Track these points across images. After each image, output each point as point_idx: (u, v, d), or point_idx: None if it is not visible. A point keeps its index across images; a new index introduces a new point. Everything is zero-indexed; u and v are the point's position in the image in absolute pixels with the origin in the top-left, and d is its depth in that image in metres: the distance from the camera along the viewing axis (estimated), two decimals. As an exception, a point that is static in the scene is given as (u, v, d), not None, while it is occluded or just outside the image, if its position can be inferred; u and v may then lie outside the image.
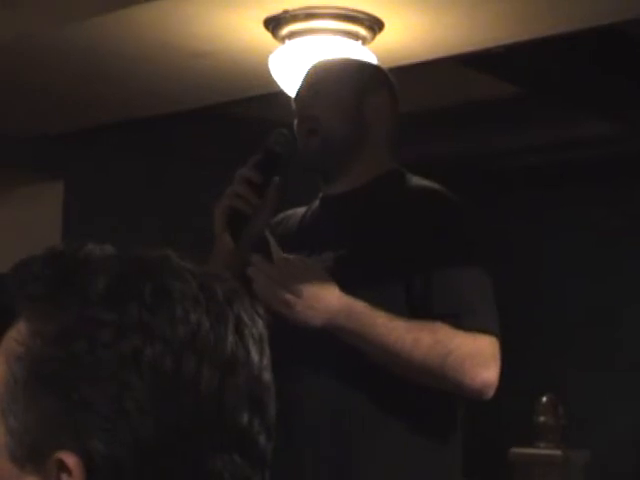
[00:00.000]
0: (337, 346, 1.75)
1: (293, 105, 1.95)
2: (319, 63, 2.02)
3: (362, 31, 2.72)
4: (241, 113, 3.88)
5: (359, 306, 1.73)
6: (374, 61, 2.67)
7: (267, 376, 0.80)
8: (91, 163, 4.18)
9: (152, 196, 4.31)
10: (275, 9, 2.68)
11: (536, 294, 4.62)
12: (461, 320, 1.73)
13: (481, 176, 4.65)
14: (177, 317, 0.76)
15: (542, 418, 4.03)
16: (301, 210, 2.00)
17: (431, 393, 1.77)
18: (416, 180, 1.90)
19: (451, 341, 1.72)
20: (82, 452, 0.74)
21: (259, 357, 0.80)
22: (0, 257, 4.21)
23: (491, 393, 1.75)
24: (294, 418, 1.76)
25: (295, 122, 1.90)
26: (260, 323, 0.81)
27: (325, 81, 1.93)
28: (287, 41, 2.76)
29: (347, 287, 1.75)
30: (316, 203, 1.97)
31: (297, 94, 1.95)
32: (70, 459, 0.74)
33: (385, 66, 2.75)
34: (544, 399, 4.00)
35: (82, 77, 3.26)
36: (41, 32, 2.93)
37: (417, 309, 1.75)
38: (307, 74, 1.98)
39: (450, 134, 4.20)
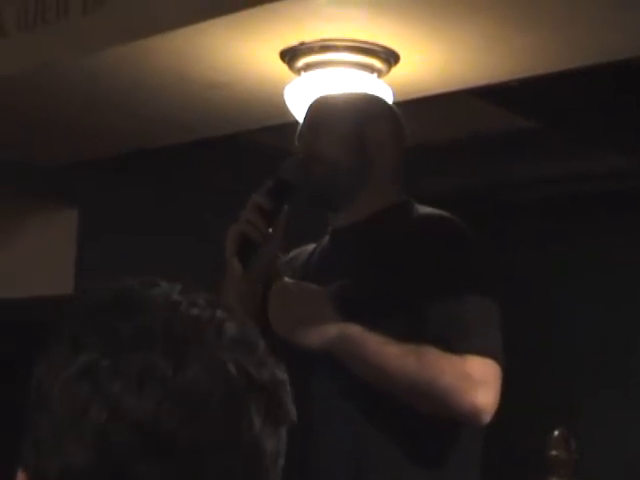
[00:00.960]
0: (347, 374, 1.76)
1: (296, 142, 1.96)
2: (319, 99, 2.04)
3: (377, 64, 2.74)
4: (255, 141, 3.90)
5: (353, 330, 1.74)
6: (389, 94, 2.69)
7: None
8: (105, 190, 4.20)
9: (166, 224, 4.32)
10: (291, 41, 2.70)
11: (547, 326, 4.61)
12: (453, 343, 1.72)
13: (495, 207, 4.65)
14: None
15: (554, 452, 3.99)
16: (310, 247, 2.01)
17: (448, 430, 1.77)
18: (424, 210, 1.90)
19: (436, 366, 1.70)
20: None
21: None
22: (15, 283, 4.25)
23: (486, 418, 1.72)
24: (306, 452, 1.76)
25: (299, 159, 1.92)
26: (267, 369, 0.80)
27: (326, 117, 1.95)
28: (303, 73, 2.78)
29: (351, 316, 1.76)
30: (325, 239, 1.99)
31: (299, 132, 1.97)
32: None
33: (400, 99, 2.79)
34: (556, 433, 3.97)
35: (99, 106, 3.28)
36: (59, 62, 2.96)
37: (418, 337, 1.75)
38: (308, 111, 2.00)
39: (464, 166, 4.21)
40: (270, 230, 1.87)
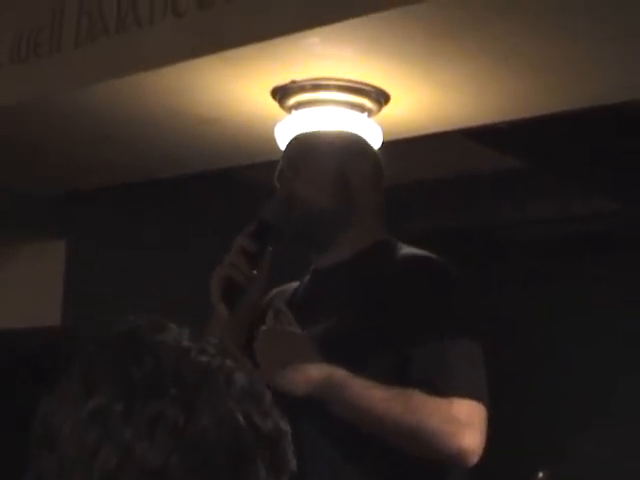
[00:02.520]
0: (332, 418, 1.75)
1: (275, 181, 1.96)
2: (299, 137, 2.04)
3: (368, 103, 2.76)
4: (248, 176, 3.92)
5: (338, 375, 1.73)
6: (379, 133, 2.71)
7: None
8: (94, 223, 4.20)
9: (154, 258, 4.32)
10: (282, 79, 2.72)
11: (531, 367, 4.61)
12: (438, 386, 1.72)
13: (481, 247, 4.67)
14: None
15: (538, 494, 3.98)
16: (293, 285, 2.01)
17: (434, 472, 1.77)
18: (407, 249, 1.90)
19: (423, 409, 1.70)
20: None
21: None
22: (2, 314, 4.23)
23: (472, 460, 1.73)
24: None
25: (280, 200, 1.92)
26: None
27: (307, 156, 1.95)
28: (294, 111, 2.79)
29: (335, 359, 1.75)
30: (307, 277, 1.98)
31: (279, 170, 1.97)
32: None
33: (390, 138, 2.81)
34: (540, 475, 3.96)
35: (90, 140, 3.29)
36: (50, 95, 2.97)
37: (402, 379, 1.75)
38: (287, 149, 2.00)
39: (452, 205, 4.23)
40: (254, 272, 1.87)
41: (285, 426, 0.82)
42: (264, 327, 1.82)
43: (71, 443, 0.76)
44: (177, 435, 0.75)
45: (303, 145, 2.00)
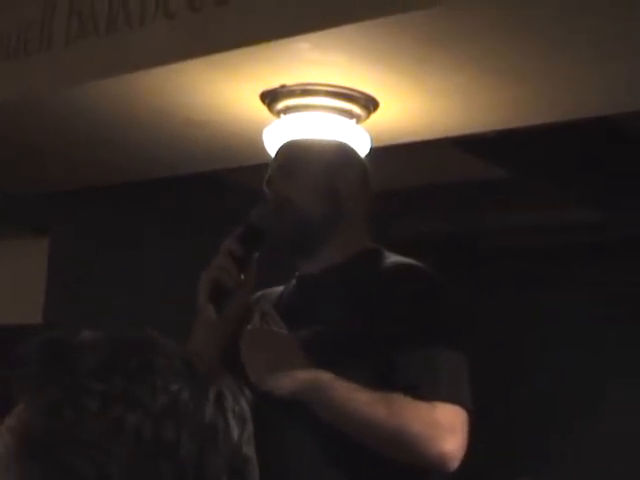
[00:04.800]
0: (316, 420, 1.76)
1: (264, 187, 1.97)
2: (289, 143, 2.05)
3: (357, 109, 2.76)
4: (235, 179, 3.91)
5: (323, 377, 1.74)
6: (367, 140, 2.71)
7: (248, 450, 0.84)
8: (77, 221, 4.19)
9: (137, 256, 4.31)
10: (272, 83, 2.73)
11: (515, 373, 4.62)
12: (421, 391, 1.73)
13: (466, 255, 4.68)
14: (158, 387, 0.80)
15: (518, 501, 3.99)
16: (278, 289, 2.02)
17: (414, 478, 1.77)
18: (393, 258, 1.91)
19: (405, 413, 1.71)
20: None
21: (239, 430, 0.83)
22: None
23: (453, 465, 1.73)
24: None
25: (269, 205, 1.92)
26: (243, 400, 0.85)
27: (297, 162, 1.96)
28: (282, 115, 2.80)
29: (321, 363, 1.76)
30: (293, 282, 1.99)
31: (268, 176, 1.97)
32: None
33: (378, 145, 2.81)
34: (521, 481, 3.98)
35: (76, 139, 3.28)
36: (37, 93, 2.96)
37: (387, 384, 1.76)
38: (277, 156, 2.01)
39: (437, 213, 4.25)
40: (242, 275, 1.88)
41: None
42: (250, 326, 1.82)
43: (140, 436, 0.79)
44: (237, 415, 0.82)
45: (293, 151, 2.01)
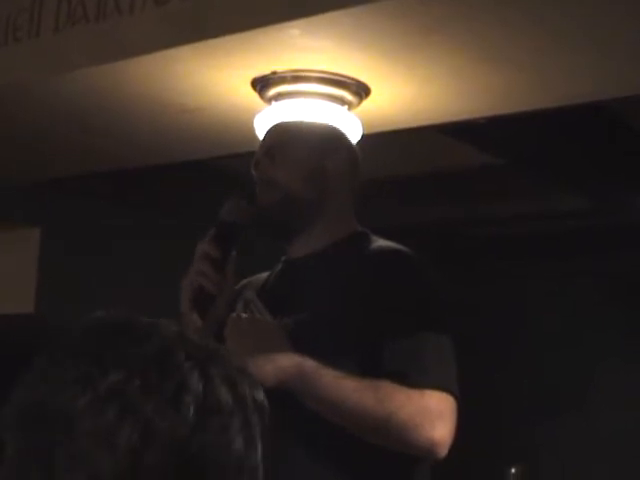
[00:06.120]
0: (302, 409, 1.75)
1: (252, 170, 1.96)
2: (277, 125, 2.04)
3: (348, 96, 2.75)
4: (226, 167, 3.90)
5: (308, 365, 1.72)
6: (359, 126, 2.70)
7: (203, 439, 0.81)
8: (69, 211, 4.17)
9: (129, 246, 4.30)
10: (263, 70, 2.71)
11: (506, 361, 4.63)
12: (409, 377, 1.72)
13: (456, 242, 4.68)
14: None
15: (511, 489, 4.00)
16: (264, 275, 2.00)
17: (400, 467, 1.77)
18: (379, 242, 1.90)
19: (394, 400, 1.70)
20: None
21: (183, 419, 0.80)
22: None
23: (443, 452, 1.73)
24: None
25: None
26: (223, 390, 0.83)
27: (285, 143, 1.95)
28: (273, 102, 2.78)
29: (306, 350, 1.75)
30: (278, 266, 1.98)
31: (256, 158, 1.96)
32: None
33: (370, 131, 2.80)
34: (513, 470, 3.98)
35: (67, 127, 3.26)
36: (27, 80, 2.94)
37: (373, 370, 1.75)
38: (264, 139, 2.00)
39: (427, 201, 4.24)
40: (221, 277, 1.86)
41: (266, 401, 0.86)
42: (234, 314, 1.81)
43: (86, 420, 0.75)
44: (199, 405, 0.77)
45: (282, 133, 2.00)
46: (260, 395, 0.83)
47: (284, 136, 1.98)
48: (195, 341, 0.82)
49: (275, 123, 2.07)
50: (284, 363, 1.73)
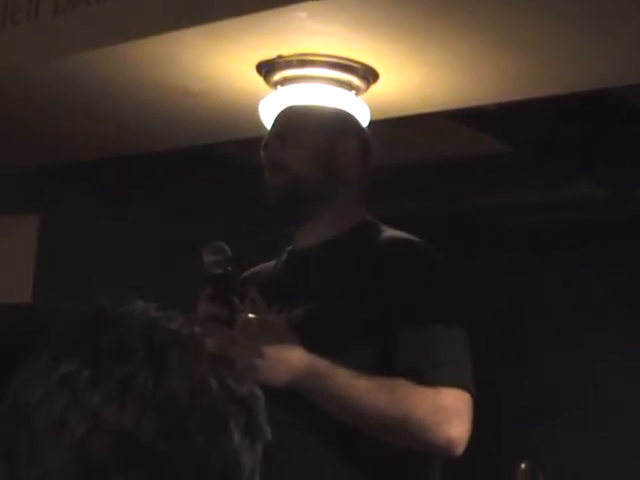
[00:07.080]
0: (313, 410, 1.70)
1: (262, 153, 1.91)
2: (288, 109, 2.00)
3: (356, 81, 2.70)
4: (225, 153, 3.85)
5: (321, 365, 1.67)
6: (367, 112, 2.65)
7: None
8: (67, 198, 4.14)
9: (128, 233, 4.26)
10: (269, 54, 2.66)
11: (515, 360, 4.58)
12: (425, 375, 1.68)
13: (465, 230, 4.64)
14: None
15: (521, 485, 3.96)
16: (270, 264, 1.95)
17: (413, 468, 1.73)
18: (389, 232, 1.85)
19: (410, 399, 1.66)
20: None
21: (136, 415, 0.77)
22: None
23: (460, 449, 1.69)
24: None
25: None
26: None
27: (296, 127, 1.90)
28: (279, 87, 2.73)
29: (315, 343, 1.70)
30: (284, 256, 1.92)
31: (265, 141, 1.91)
32: None
33: (378, 117, 2.75)
34: (523, 466, 3.94)
35: (67, 112, 3.21)
36: (26, 64, 2.89)
37: (386, 365, 1.70)
38: (275, 122, 1.95)
39: (436, 188, 4.19)
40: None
41: (259, 391, 0.82)
42: (243, 315, 1.75)
43: (40, 414, 0.75)
44: (147, 398, 0.74)
45: (294, 116, 1.95)
46: (244, 388, 0.79)
47: (296, 120, 1.93)
48: (165, 327, 0.79)
49: (287, 106, 2.02)
50: (296, 363, 1.68)
